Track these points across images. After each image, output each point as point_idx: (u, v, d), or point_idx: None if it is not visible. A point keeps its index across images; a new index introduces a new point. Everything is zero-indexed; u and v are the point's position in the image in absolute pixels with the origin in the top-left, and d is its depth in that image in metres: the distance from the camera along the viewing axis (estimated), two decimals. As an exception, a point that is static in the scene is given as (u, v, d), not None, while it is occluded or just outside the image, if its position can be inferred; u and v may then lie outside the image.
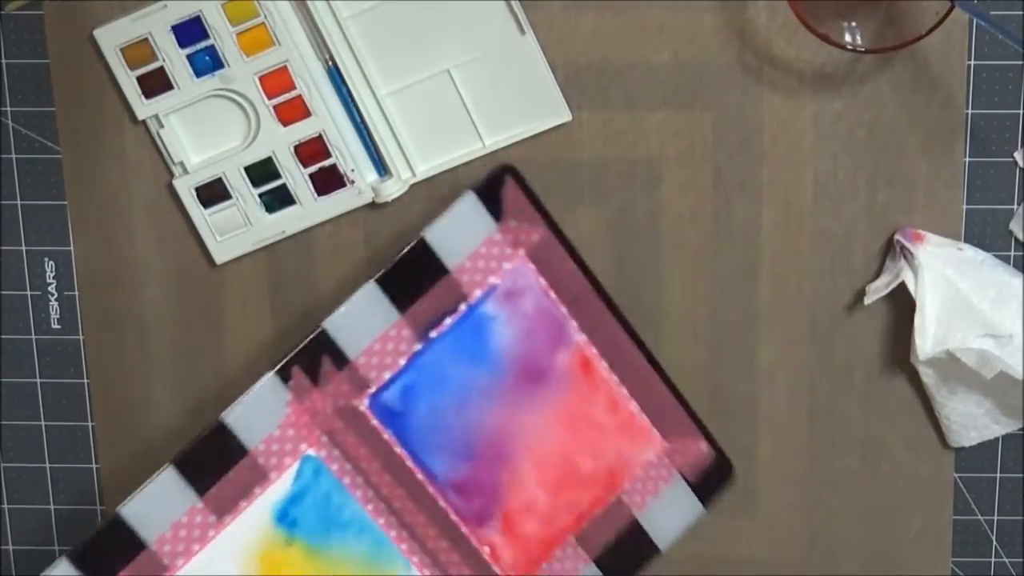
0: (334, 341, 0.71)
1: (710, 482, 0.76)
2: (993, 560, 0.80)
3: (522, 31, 0.73)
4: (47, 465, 0.81)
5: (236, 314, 0.78)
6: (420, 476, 0.73)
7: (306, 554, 0.73)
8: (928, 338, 0.73)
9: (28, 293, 0.78)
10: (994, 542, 0.80)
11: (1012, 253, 0.76)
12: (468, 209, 0.71)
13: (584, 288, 0.73)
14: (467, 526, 0.74)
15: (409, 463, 0.73)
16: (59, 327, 0.79)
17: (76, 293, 0.78)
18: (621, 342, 0.74)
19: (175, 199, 0.76)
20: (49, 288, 0.78)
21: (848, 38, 0.70)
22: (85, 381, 0.79)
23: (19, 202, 0.77)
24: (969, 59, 0.73)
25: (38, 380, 0.80)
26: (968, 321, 0.73)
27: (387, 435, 0.73)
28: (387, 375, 0.72)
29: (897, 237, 0.74)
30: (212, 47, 0.73)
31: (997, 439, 0.78)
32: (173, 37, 0.73)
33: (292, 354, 0.71)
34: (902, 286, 0.73)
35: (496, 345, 0.73)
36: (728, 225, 0.76)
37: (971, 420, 0.76)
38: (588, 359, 0.73)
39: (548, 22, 0.73)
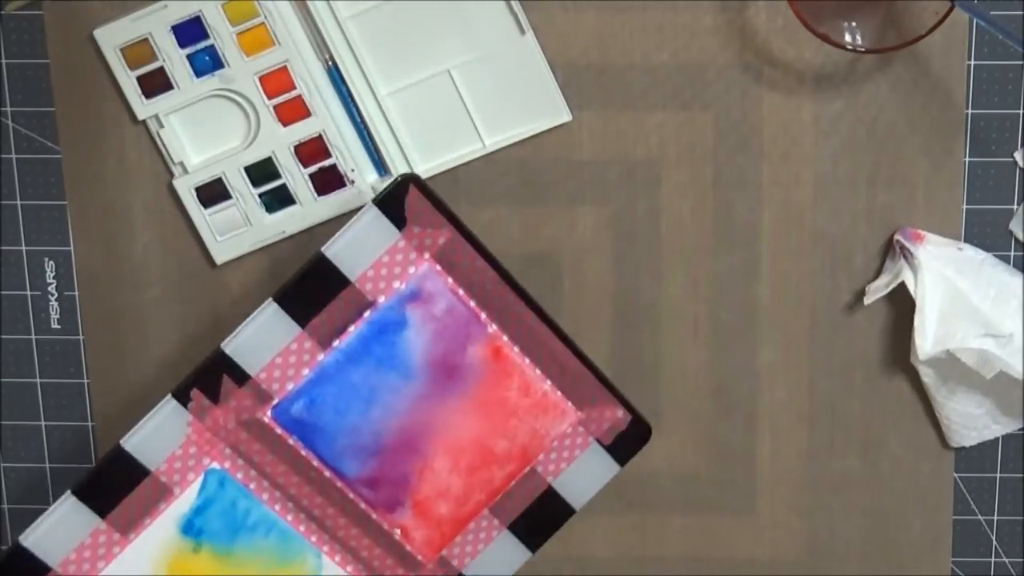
0: (233, 360, 0.71)
1: (626, 443, 0.76)
2: (993, 560, 0.80)
3: (522, 31, 0.73)
4: (47, 465, 0.81)
5: (236, 314, 0.78)
6: (328, 474, 0.74)
7: (214, 558, 0.74)
8: (928, 338, 0.73)
9: (28, 293, 0.78)
10: (994, 542, 0.80)
11: (1012, 253, 0.76)
12: (369, 222, 0.70)
13: (494, 281, 0.72)
14: (377, 513, 0.75)
15: (316, 463, 0.73)
16: (59, 327, 0.79)
17: (76, 293, 0.78)
18: (532, 325, 0.73)
19: (175, 199, 0.76)
20: (49, 288, 0.78)
21: (848, 38, 0.70)
22: (85, 381, 0.79)
23: (19, 202, 0.77)
24: (969, 59, 0.73)
25: (38, 380, 0.80)
26: (968, 321, 0.73)
27: (292, 441, 0.73)
28: (290, 386, 0.72)
29: (897, 237, 0.74)
30: (212, 47, 0.73)
31: (997, 439, 0.78)
32: (173, 37, 0.73)
33: (189, 376, 0.71)
34: (902, 286, 0.73)
35: (405, 349, 0.72)
36: (728, 225, 0.76)
37: (971, 420, 0.76)
38: (500, 347, 0.73)
39: (548, 22, 0.73)
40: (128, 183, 0.76)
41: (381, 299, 0.71)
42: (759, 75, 0.74)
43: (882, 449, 0.78)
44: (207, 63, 0.73)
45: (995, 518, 0.79)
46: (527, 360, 0.74)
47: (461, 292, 0.72)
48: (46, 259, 0.78)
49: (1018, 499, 0.79)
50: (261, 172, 0.75)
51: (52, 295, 0.78)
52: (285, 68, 0.73)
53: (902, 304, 0.76)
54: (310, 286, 0.70)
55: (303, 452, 0.73)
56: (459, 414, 0.74)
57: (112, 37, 0.73)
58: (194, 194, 0.75)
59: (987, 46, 0.73)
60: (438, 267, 0.72)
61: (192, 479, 0.73)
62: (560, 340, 0.74)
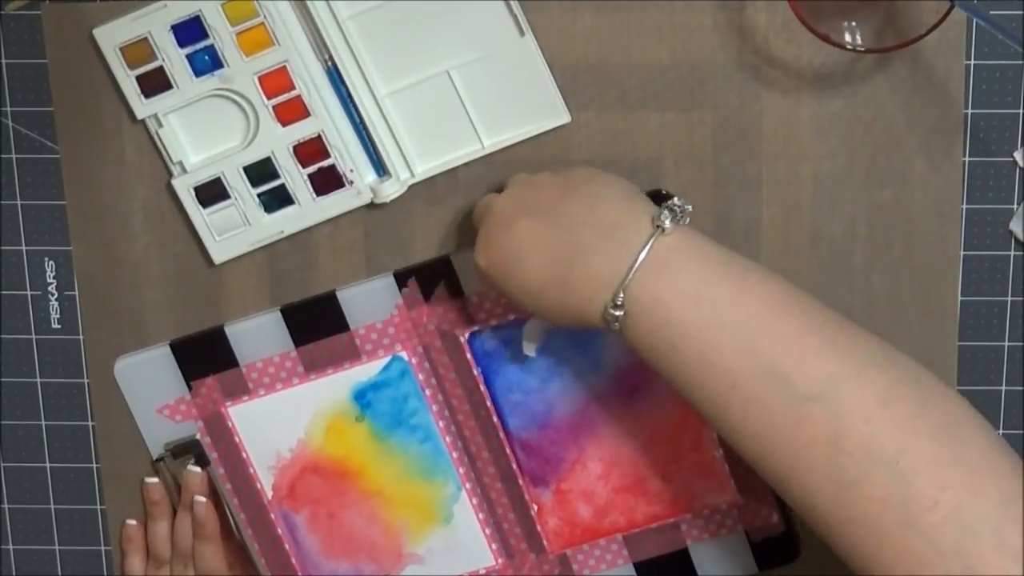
0: (456, 272, 0.75)
1: (772, 551, 0.77)
2: (994, 561, 0.80)
3: (522, 32, 0.73)
4: (47, 465, 0.81)
5: (235, 314, 0.78)
6: (495, 419, 0.76)
7: (370, 435, 0.78)
8: None
9: (28, 293, 0.79)
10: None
11: (1012, 253, 0.75)
12: None
13: None
14: (523, 480, 0.77)
15: (488, 403, 0.76)
16: (59, 327, 0.79)
17: (76, 293, 0.78)
18: None
19: (174, 199, 0.76)
20: (49, 288, 0.78)
21: (848, 38, 0.70)
22: (85, 381, 0.79)
23: (19, 202, 0.77)
24: (969, 59, 0.73)
25: (38, 380, 0.80)
26: None
27: (476, 371, 0.76)
28: (493, 322, 0.75)
29: None
30: (212, 47, 0.73)
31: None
32: (173, 37, 0.73)
33: (414, 265, 0.75)
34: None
35: (604, 343, 0.75)
36: (728, 225, 0.76)
37: None
38: None
39: (548, 22, 0.73)
40: (127, 183, 0.76)
41: None
42: (758, 74, 0.74)
43: (882, 450, 0.78)
44: (206, 63, 0.73)
45: (996, 519, 0.79)
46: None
47: None
48: (46, 259, 0.78)
49: (1019, 500, 0.79)
50: (260, 172, 0.75)
51: (52, 295, 0.78)
52: (284, 68, 0.73)
53: (902, 304, 0.76)
54: None
55: (481, 387, 0.76)
56: (627, 430, 0.76)
57: (111, 37, 0.73)
58: (193, 194, 0.75)
59: (987, 46, 0.73)
60: None
61: (381, 356, 0.76)
62: None
